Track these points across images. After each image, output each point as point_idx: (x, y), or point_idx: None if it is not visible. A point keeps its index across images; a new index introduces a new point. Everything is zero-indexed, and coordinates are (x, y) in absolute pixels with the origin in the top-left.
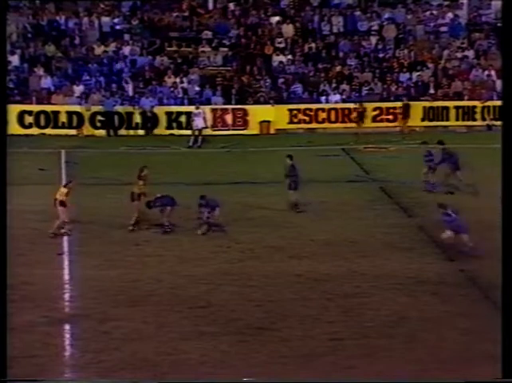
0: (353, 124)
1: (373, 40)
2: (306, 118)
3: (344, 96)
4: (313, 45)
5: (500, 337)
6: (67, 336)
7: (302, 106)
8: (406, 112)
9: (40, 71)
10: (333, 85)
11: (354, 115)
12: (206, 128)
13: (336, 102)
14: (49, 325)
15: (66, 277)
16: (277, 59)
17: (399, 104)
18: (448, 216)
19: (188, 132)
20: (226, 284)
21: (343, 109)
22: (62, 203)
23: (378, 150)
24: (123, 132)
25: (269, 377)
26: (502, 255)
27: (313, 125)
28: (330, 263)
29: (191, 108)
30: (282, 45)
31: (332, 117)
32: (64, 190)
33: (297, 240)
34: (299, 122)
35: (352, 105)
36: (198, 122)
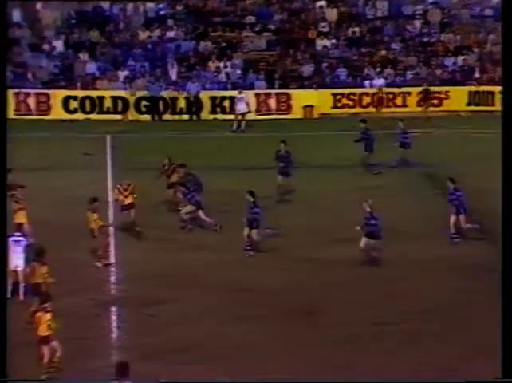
0: (397, 109)
1: (418, 24)
2: (350, 102)
3: (388, 81)
4: (357, 29)
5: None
6: (113, 318)
7: (346, 90)
8: (426, 97)
9: (85, 57)
10: (377, 70)
11: (375, 99)
12: (249, 112)
13: (381, 86)
14: (96, 307)
15: (112, 260)
16: (321, 43)
17: (444, 88)
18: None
19: (232, 116)
20: (270, 268)
21: (387, 94)
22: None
23: (423, 135)
24: (167, 116)
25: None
26: (502, 259)
27: (357, 110)
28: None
29: (235, 93)
30: (326, 30)
31: (377, 102)
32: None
33: (340, 224)
34: (343, 107)
35: (396, 90)
36: (241, 107)
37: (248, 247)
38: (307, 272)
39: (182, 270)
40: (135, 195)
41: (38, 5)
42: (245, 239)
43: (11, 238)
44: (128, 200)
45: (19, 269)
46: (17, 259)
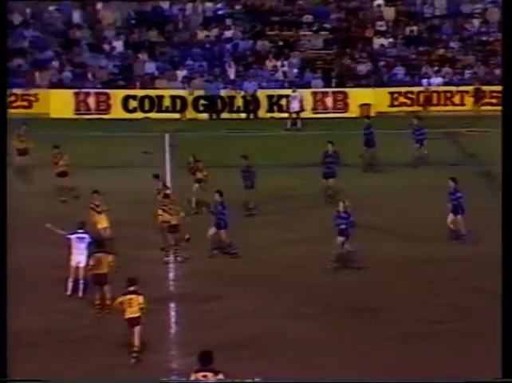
0: (455, 108)
1: (476, 23)
2: (407, 101)
3: (446, 79)
4: (415, 27)
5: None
6: (172, 313)
7: (403, 89)
8: (478, 96)
9: (144, 56)
10: (435, 68)
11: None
12: (303, 111)
13: (438, 85)
14: (155, 303)
15: (171, 257)
16: (378, 42)
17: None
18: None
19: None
20: (322, 266)
21: (445, 92)
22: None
23: (481, 133)
24: (225, 115)
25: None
26: (502, 260)
27: (414, 108)
28: (434, 246)
29: (291, 92)
30: (383, 28)
31: (434, 100)
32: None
33: (399, 222)
34: (400, 105)
35: (454, 88)
36: (295, 105)
37: (214, 248)
38: (367, 270)
39: (238, 267)
40: (182, 215)
41: (98, 6)
42: (210, 240)
43: (74, 235)
44: (174, 221)
45: (81, 265)
46: (79, 256)
